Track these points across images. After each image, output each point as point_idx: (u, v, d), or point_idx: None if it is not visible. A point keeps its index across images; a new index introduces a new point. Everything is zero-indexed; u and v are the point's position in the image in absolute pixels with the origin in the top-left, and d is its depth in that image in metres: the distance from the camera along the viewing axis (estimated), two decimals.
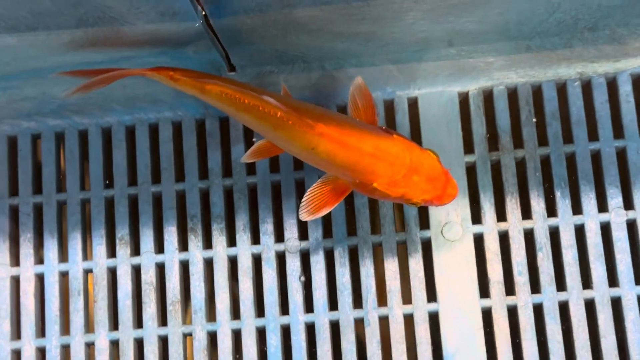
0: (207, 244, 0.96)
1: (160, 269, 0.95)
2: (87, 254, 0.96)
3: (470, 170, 0.94)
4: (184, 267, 0.95)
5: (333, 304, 0.93)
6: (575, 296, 0.90)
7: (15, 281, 0.95)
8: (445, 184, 0.80)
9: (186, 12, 0.73)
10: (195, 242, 0.94)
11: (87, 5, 0.71)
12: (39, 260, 0.96)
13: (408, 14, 0.79)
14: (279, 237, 0.95)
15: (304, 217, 0.81)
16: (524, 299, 0.90)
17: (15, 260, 0.96)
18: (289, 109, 0.76)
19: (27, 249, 0.95)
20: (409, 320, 0.92)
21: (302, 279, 0.93)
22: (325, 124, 0.77)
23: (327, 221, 0.94)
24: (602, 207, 0.92)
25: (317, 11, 0.76)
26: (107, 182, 0.97)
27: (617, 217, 0.91)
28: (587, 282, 0.91)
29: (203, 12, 0.75)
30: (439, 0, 0.76)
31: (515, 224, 0.92)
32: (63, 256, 0.96)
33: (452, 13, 0.79)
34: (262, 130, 0.80)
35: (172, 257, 0.94)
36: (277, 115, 0.76)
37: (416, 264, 0.92)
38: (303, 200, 0.82)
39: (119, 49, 0.81)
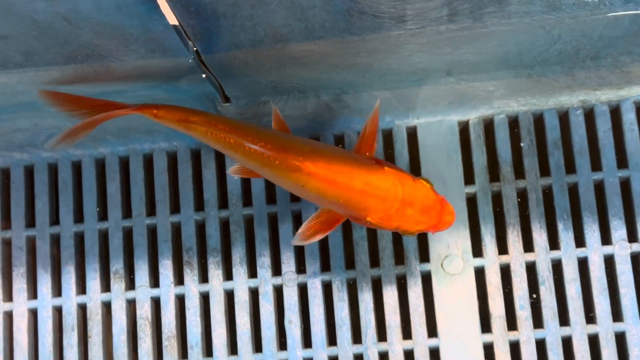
0: (204, 277, 0.94)
1: (156, 303, 0.94)
2: (81, 288, 0.95)
3: (471, 201, 0.92)
4: (180, 301, 0.94)
5: (332, 339, 0.91)
6: (579, 331, 0.88)
7: (9, 317, 0.94)
8: (440, 212, 0.78)
9: (177, 49, 0.72)
10: (191, 275, 0.93)
11: (74, 44, 0.69)
12: (33, 295, 0.94)
13: (405, 46, 0.77)
14: (277, 270, 0.93)
15: (295, 242, 0.79)
16: (526, 334, 0.89)
17: (8, 296, 0.94)
18: (275, 147, 0.75)
19: (20, 284, 0.94)
20: (409, 356, 0.90)
21: (291, 321, 0.91)
22: (313, 162, 0.75)
23: (325, 254, 0.93)
24: (606, 239, 0.90)
25: (312, 45, 0.74)
26: (101, 214, 0.96)
27: (621, 249, 0.89)
28: (590, 317, 0.89)
29: (195, 49, 0.73)
30: (436, 34, 0.74)
31: (517, 257, 0.90)
32: (57, 291, 0.94)
33: (449, 45, 0.77)
34: (250, 167, 0.78)
35: (167, 291, 0.93)
36: (263, 155, 0.75)
37: (416, 299, 0.90)
38: (299, 230, 0.80)
39: (111, 83, 0.80)
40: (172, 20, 0.67)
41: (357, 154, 0.80)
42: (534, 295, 0.91)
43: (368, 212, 0.76)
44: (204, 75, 0.79)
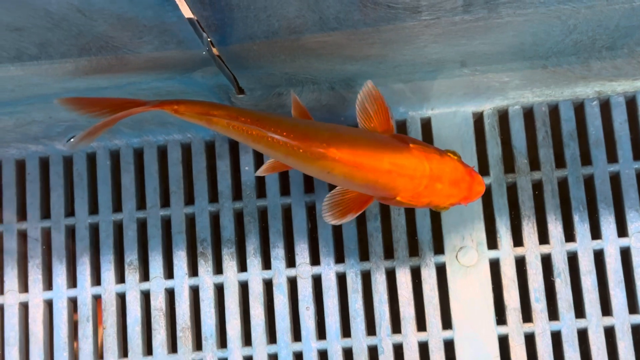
0: (218, 268, 0.94)
1: (170, 294, 0.94)
2: (96, 280, 0.95)
3: (486, 193, 0.91)
4: (194, 292, 0.94)
5: (346, 331, 0.91)
6: (595, 323, 0.88)
7: (24, 307, 0.94)
8: (471, 183, 0.77)
9: (191, 40, 0.71)
10: (205, 267, 0.93)
11: (88, 36, 0.69)
12: (48, 286, 0.95)
13: (419, 37, 0.76)
14: (291, 262, 0.93)
15: (328, 220, 0.79)
16: (541, 327, 0.88)
17: (24, 287, 0.95)
18: (298, 136, 0.74)
19: (35, 275, 0.94)
20: (423, 348, 0.90)
21: (309, 308, 0.91)
22: (337, 148, 0.74)
23: (339, 246, 0.93)
24: (622, 231, 0.90)
25: (326, 37, 0.74)
26: (115, 206, 0.96)
27: (637, 241, 0.88)
28: (606, 309, 0.89)
29: (209, 40, 0.73)
30: (451, 24, 0.73)
31: (532, 249, 0.89)
32: (72, 282, 0.95)
33: (464, 36, 0.77)
34: (274, 157, 0.78)
35: (181, 282, 0.93)
36: (287, 145, 0.74)
37: (430, 290, 0.90)
38: (325, 203, 0.79)
39: (125, 74, 0.80)
40: (186, 11, 0.67)
41: (380, 134, 0.78)
42: (552, 279, 0.90)
43: (397, 192, 0.76)
44: (218, 67, 0.79)
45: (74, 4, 0.63)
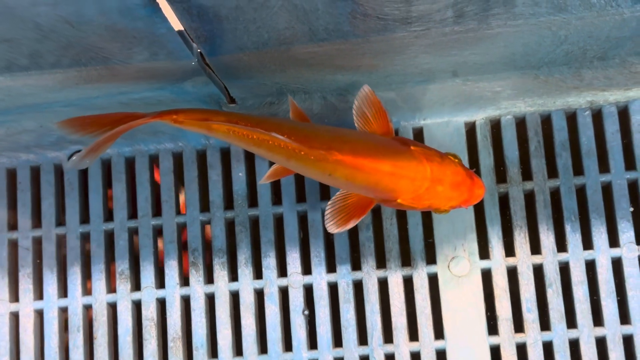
0: (209, 278, 0.94)
1: (161, 304, 0.94)
2: (87, 289, 0.95)
3: (478, 203, 0.91)
4: (185, 302, 0.94)
5: (337, 341, 0.91)
6: (586, 334, 0.88)
7: (15, 317, 0.94)
8: (471, 186, 0.77)
9: (181, 51, 0.71)
10: (196, 276, 0.93)
11: (78, 47, 0.69)
12: (39, 295, 0.95)
13: (410, 48, 0.76)
14: (282, 271, 0.93)
15: (332, 229, 0.78)
16: (533, 337, 0.88)
17: (15, 296, 0.95)
18: (299, 139, 0.74)
19: (26, 285, 0.94)
20: (415, 358, 0.90)
21: (306, 312, 0.91)
22: (338, 150, 0.74)
23: (330, 255, 0.92)
24: (614, 241, 0.89)
25: (316, 47, 0.74)
26: (107, 215, 0.96)
27: (629, 252, 0.88)
28: (598, 320, 0.88)
29: (199, 51, 0.73)
30: (441, 35, 0.73)
31: (524, 259, 0.89)
32: (63, 291, 0.95)
33: (455, 47, 0.77)
34: (275, 161, 0.78)
35: (173, 292, 0.93)
36: (288, 147, 0.74)
37: (422, 300, 0.90)
38: (327, 211, 0.79)
39: (115, 84, 0.80)
40: (175, 23, 0.67)
41: (381, 136, 0.79)
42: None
43: (398, 194, 0.76)
44: (209, 77, 0.79)
45: (63, 16, 0.63)
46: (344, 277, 0.91)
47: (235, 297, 0.93)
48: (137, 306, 0.94)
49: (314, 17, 0.67)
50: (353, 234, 0.93)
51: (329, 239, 0.93)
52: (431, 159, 0.76)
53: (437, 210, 0.78)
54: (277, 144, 0.74)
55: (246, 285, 0.92)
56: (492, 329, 0.89)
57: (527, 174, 0.91)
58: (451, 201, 0.77)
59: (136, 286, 0.94)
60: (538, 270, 0.90)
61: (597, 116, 0.92)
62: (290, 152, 0.74)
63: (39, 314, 0.94)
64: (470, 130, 0.93)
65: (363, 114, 0.79)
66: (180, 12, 0.65)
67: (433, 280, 0.91)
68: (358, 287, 0.92)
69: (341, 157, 0.74)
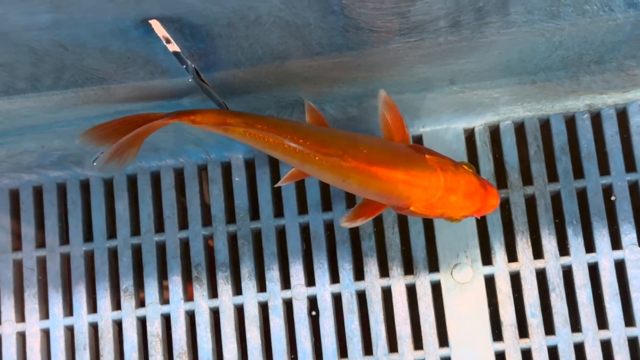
0: (213, 292, 0.94)
1: (166, 319, 0.94)
2: (92, 307, 0.95)
3: None
4: (190, 317, 0.94)
5: (343, 351, 0.91)
6: (591, 337, 0.87)
7: (21, 337, 0.94)
8: (485, 196, 0.77)
9: (176, 69, 0.72)
10: (200, 291, 0.93)
11: (72, 69, 0.69)
12: (45, 315, 0.95)
13: (405, 59, 0.76)
14: (286, 283, 0.93)
15: (340, 221, 0.80)
16: (538, 342, 0.88)
17: (21, 316, 0.95)
18: (314, 143, 0.74)
19: (32, 304, 0.94)
20: None
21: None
22: (353, 157, 0.73)
23: (333, 266, 0.93)
24: (616, 244, 0.89)
25: (310, 61, 0.74)
26: (110, 232, 0.96)
27: (632, 254, 0.88)
28: (602, 323, 0.88)
29: (193, 67, 0.73)
30: (435, 45, 0.73)
31: (526, 264, 0.89)
32: (68, 310, 0.95)
33: (450, 56, 0.77)
34: (290, 164, 0.78)
35: (177, 307, 0.93)
36: (303, 152, 0.74)
37: (426, 308, 0.90)
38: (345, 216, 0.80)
39: (113, 104, 0.80)
40: (167, 42, 0.67)
41: (396, 144, 0.78)
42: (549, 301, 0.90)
43: (411, 202, 0.75)
44: (205, 94, 0.79)
45: (57, 40, 0.63)
46: (348, 287, 0.91)
47: (239, 310, 0.93)
48: (142, 322, 0.94)
49: (307, 32, 0.67)
50: (355, 243, 0.93)
51: (331, 250, 0.93)
52: (445, 168, 0.76)
53: (449, 218, 0.78)
54: (292, 148, 0.74)
55: (250, 298, 0.92)
56: (497, 335, 0.89)
57: (527, 179, 0.91)
58: (464, 210, 0.77)
59: (141, 302, 0.95)
60: (541, 275, 0.90)
61: (596, 119, 0.92)
62: (305, 156, 0.74)
63: (46, 333, 0.94)
64: (470, 136, 0.93)
65: (384, 119, 0.79)
66: (173, 32, 0.65)
67: (436, 288, 0.91)
68: (362, 297, 0.92)
69: (356, 163, 0.73)
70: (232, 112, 0.77)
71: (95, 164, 0.78)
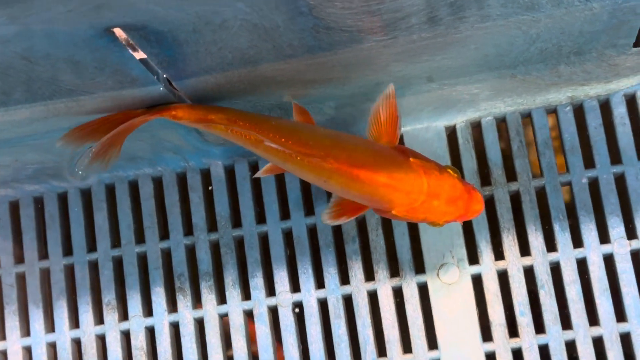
0: (197, 302, 0.92)
1: (151, 332, 0.92)
2: (74, 322, 0.93)
3: None
4: (175, 328, 0.92)
5: (331, 357, 0.89)
6: (582, 334, 0.86)
7: (3, 356, 0.93)
8: (468, 201, 0.75)
9: (146, 78, 0.70)
10: (184, 302, 0.91)
11: (38, 81, 0.68)
12: (26, 332, 0.93)
13: (379, 57, 0.75)
14: (271, 290, 0.92)
15: (323, 218, 0.78)
16: (528, 341, 0.86)
17: (1, 334, 0.94)
18: (296, 143, 0.73)
19: (12, 322, 0.93)
20: None
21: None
22: (335, 158, 0.72)
23: (318, 271, 0.91)
24: (604, 238, 0.88)
25: (283, 64, 0.73)
26: (90, 245, 0.94)
27: (620, 247, 0.87)
28: (593, 319, 0.87)
29: (164, 75, 0.72)
30: (409, 43, 0.72)
31: (514, 262, 0.88)
32: (50, 326, 0.93)
33: (425, 53, 0.75)
34: (272, 162, 0.77)
35: (161, 319, 0.91)
36: (285, 152, 0.73)
37: (414, 311, 0.88)
38: (326, 211, 0.78)
39: (84, 115, 0.78)
40: (134, 50, 0.65)
41: (381, 145, 0.77)
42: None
43: (393, 206, 0.74)
44: (178, 101, 0.77)
45: (18, 52, 0.62)
46: (333, 292, 0.89)
47: (225, 320, 0.92)
48: (126, 336, 0.92)
49: (276, 35, 0.66)
50: (340, 247, 0.91)
51: (316, 255, 0.92)
52: (429, 172, 0.74)
53: (431, 223, 0.76)
54: (273, 147, 0.73)
55: (235, 307, 0.91)
56: (486, 335, 0.87)
57: (511, 175, 0.90)
58: (446, 216, 0.75)
59: (124, 316, 0.93)
60: (529, 273, 0.88)
61: (579, 111, 0.90)
62: (287, 156, 0.73)
63: (27, 351, 0.93)
64: (452, 134, 0.92)
65: (377, 113, 0.77)
66: (138, 40, 0.63)
67: (423, 289, 0.89)
68: (348, 301, 0.90)
69: (338, 165, 0.72)
70: (215, 107, 0.76)
71: (77, 168, 0.76)
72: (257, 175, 0.82)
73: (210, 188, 0.93)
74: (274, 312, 0.91)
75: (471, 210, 0.75)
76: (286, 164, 0.75)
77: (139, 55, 0.67)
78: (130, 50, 0.65)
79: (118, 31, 0.62)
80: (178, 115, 0.75)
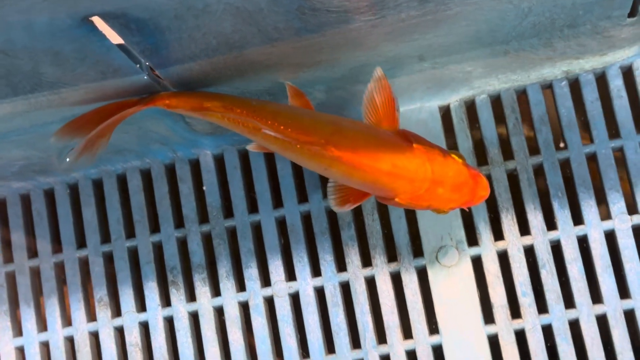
0: (191, 296, 0.90)
1: (145, 327, 0.90)
2: (66, 320, 0.91)
3: None
4: (169, 323, 0.90)
5: (330, 346, 0.88)
6: (586, 313, 0.84)
7: None
8: (474, 187, 0.73)
9: (128, 67, 0.68)
10: (177, 295, 0.89)
11: (18, 75, 0.66)
12: (18, 332, 0.92)
13: (368, 38, 0.73)
14: (266, 281, 0.90)
15: (331, 204, 0.76)
16: (531, 322, 0.85)
17: None
18: (296, 131, 0.70)
19: (4, 322, 0.91)
20: (411, 356, 0.87)
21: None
22: (335, 146, 0.70)
23: (314, 258, 0.89)
24: (605, 214, 0.86)
25: (269, 48, 0.70)
26: (79, 241, 0.92)
27: (622, 223, 0.85)
28: (596, 297, 0.85)
29: (147, 64, 0.69)
30: (398, 22, 0.70)
31: (514, 242, 0.86)
32: (42, 325, 0.91)
33: (415, 31, 0.73)
34: (272, 150, 0.75)
35: (155, 314, 0.89)
36: (284, 139, 0.70)
37: (413, 296, 0.87)
38: (329, 185, 0.76)
39: (68, 108, 0.76)
40: (115, 39, 0.63)
41: (383, 131, 0.74)
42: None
43: (396, 193, 0.72)
44: (164, 90, 0.75)
45: None
46: (330, 279, 0.88)
47: (220, 312, 0.90)
48: (120, 332, 0.91)
49: (260, 17, 0.63)
50: (335, 233, 0.89)
51: (311, 242, 0.90)
52: (433, 158, 0.72)
53: (436, 210, 0.74)
54: (272, 135, 0.71)
55: (230, 299, 0.89)
56: (488, 318, 0.86)
57: (508, 153, 0.88)
58: (451, 203, 0.73)
59: (117, 312, 0.91)
60: (529, 252, 0.86)
61: (575, 86, 0.88)
62: (286, 144, 0.71)
63: (20, 351, 0.91)
64: (446, 113, 0.90)
65: (372, 100, 0.75)
66: (119, 28, 0.61)
67: (422, 273, 0.87)
68: (346, 288, 0.88)
69: (339, 153, 0.70)
70: (210, 94, 0.74)
71: (67, 159, 0.74)
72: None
73: (204, 188, 0.91)
74: (270, 302, 0.89)
75: (477, 196, 0.74)
76: (286, 152, 0.72)
77: (120, 44, 0.64)
78: (110, 40, 0.63)
79: (96, 19, 0.59)
80: (172, 104, 0.73)
